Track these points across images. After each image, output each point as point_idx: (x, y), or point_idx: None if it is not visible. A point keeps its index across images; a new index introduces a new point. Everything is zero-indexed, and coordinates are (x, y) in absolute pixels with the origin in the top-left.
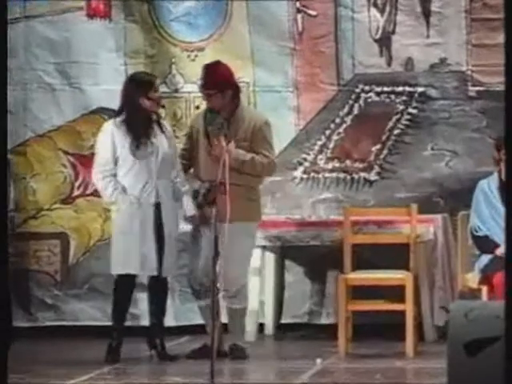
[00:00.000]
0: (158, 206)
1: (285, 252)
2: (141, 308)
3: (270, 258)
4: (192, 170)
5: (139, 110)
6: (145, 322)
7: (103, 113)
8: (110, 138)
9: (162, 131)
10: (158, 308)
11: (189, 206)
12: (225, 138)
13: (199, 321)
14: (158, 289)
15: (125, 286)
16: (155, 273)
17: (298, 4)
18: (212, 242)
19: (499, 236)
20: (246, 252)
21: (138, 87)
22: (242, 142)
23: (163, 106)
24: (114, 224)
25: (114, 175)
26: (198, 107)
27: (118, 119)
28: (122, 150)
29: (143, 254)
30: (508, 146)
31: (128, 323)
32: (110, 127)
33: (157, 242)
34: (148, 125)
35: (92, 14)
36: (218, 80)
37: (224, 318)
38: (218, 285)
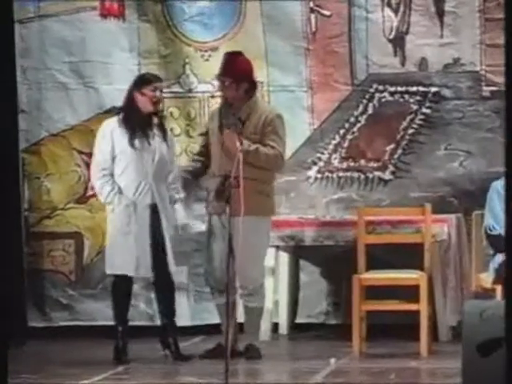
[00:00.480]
0: (154, 208)
1: (299, 252)
2: (155, 308)
3: (284, 257)
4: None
5: (134, 107)
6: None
7: (117, 112)
8: (109, 136)
9: (163, 135)
10: (166, 308)
11: (181, 215)
12: (237, 133)
13: (214, 320)
14: (164, 288)
15: (121, 286)
16: (149, 275)
17: (311, 4)
18: (226, 238)
19: None
20: (259, 248)
21: (135, 83)
22: (252, 134)
23: (160, 110)
24: (109, 224)
25: (112, 175)
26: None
27: (119, 116)
28: (119, 148)
29: (138, 256)
30: (508, 146)
31: (142, 323)
32: (109, 125)
33: (154, 244)
34: (145, 125)
35: (106, 14)
36: (235, 70)
37: (240, 318)
38: (237, 283)
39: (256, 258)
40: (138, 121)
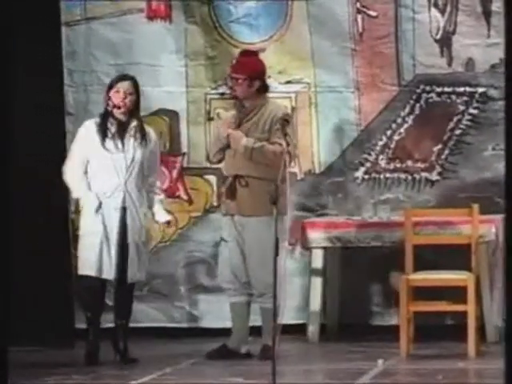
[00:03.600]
0: (124, 211)
1: (346, 253)
2: (200, 309)
3: (332, 258)
4: None
5: (106, 110)
6: (205, 323)
7: (164, 114)
8: (84, 135)
9: (141, 138)
10: (122, 309)
11: (160, 213)
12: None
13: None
14: (123, 291)
15: (93, 287)
16: (111, 277)
17: (358, 4)
18: (235, 239)
19: None
20: (268, 248)
21: (107, 86)
22: (261, 133)
23: (131, 112)
24: (80, 224)
25: (85, 173)
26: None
27: (97, 118)
28: (93, 150)
29: (103, 257)
30: (508, 146)
31: (186, 324)
32: (88, 125)
33: (120, 247)
34: (119, 128)
35: (152, 16)
36: (249, 67)
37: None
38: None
39: (264, 258)
40: (111, 123)
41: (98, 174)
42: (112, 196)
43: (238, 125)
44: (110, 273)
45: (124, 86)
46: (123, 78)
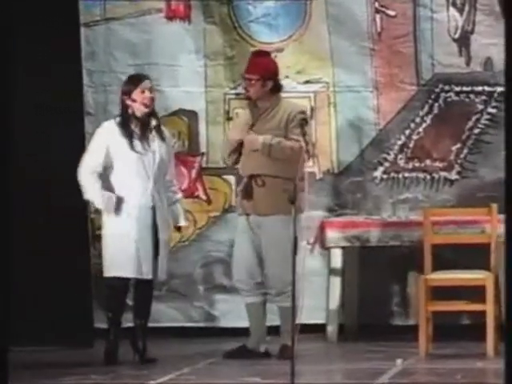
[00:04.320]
0: (153, 210)
1: (364, 252)
2: (219, 309)
3: (350, 258)
4: None
5: (128, 113)
6: (223, 322)
7: (183, 114)
8: (105, 138)
9: (161, 137)
10: (142, 309)
11: (180, 216)
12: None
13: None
14: (145, 290)
15: (119, 288)
16: (150, 276)
17: (376, 4)
18: (250, 239)
19: None
20: (286, 247)
21: (124, 88)
22: (276, 130)
23: (151, 110)
24: (106, 225)
25: (100, 176)
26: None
27: (117, 119)
28: (118, 150)
29: (139, 258)
30: (508, 146)
31: (204, 324)
32: (108, 127)
33: (154, 247)
34: (143, 128)
35: (171, 16)
36: (262, 67)
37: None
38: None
39: (282, 257)
40: (135, 125)
41: (125, 175)
42: (142, 196)
43: (252, 125)
44: (148, 273)
45: (146, 85)
46: (142, 77)
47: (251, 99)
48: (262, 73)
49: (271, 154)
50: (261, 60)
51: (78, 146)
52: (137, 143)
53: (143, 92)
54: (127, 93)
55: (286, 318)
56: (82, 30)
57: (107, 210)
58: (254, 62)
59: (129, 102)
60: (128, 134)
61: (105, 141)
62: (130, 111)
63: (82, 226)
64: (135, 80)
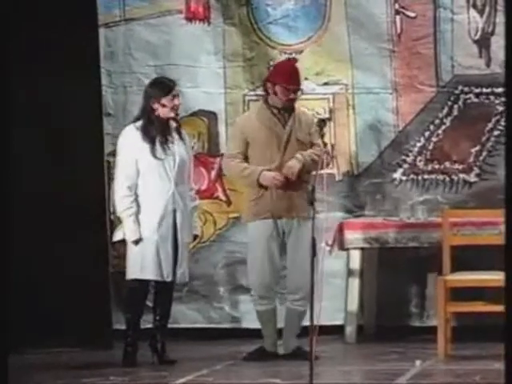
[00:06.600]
0: (174, 212)
1: (383, 254)
2: (241, 310)
3: (369, 259)
4: None
5: (153, 117)
6: (244, 324)
7: (203, 115)
8: (131, 149)
9: (181, 139)
10: (163, 311)
11: (195, 224)
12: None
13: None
14: (166, 292)
15: (140, 291)
16: (170, 278)
17: (396, 5)
18: (274, 243)
19: None
20: (305, 249)
21: (153, 92)
22: (304, 134)
23: (177, 114)
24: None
25: (136, 193)
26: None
27: (138, 124)
28: (142, 159)
29: (160, 260)
30: (508, 146)
31: (226, 325)
32: (129, 135)
33: (174, 250)
34: (165, 131)
35: (191, 17)
36: (300, 76)
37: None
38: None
39: (303, 261)
40: (158, 128)
41: (147, 178)
42: (163, 199)
43: (287, 141)
44: (169, 275)
45: (177, 91)
46: (173, 83)
47: (279, 107)
48: (300, 82)
49: (306, 170)
50: (297, 69)
51: (97, 147)
52: (158, 148)
53: (173, 98)
54: (156, 97)
55: (300, 320)
56: (102, 30)
57: (129, 240)
58: (295, 72)
59: (156, 106)
60: (150, 140)
61: (131, 152)
62: (155, 114)
63: (101, 227)
64: (166, 86)
